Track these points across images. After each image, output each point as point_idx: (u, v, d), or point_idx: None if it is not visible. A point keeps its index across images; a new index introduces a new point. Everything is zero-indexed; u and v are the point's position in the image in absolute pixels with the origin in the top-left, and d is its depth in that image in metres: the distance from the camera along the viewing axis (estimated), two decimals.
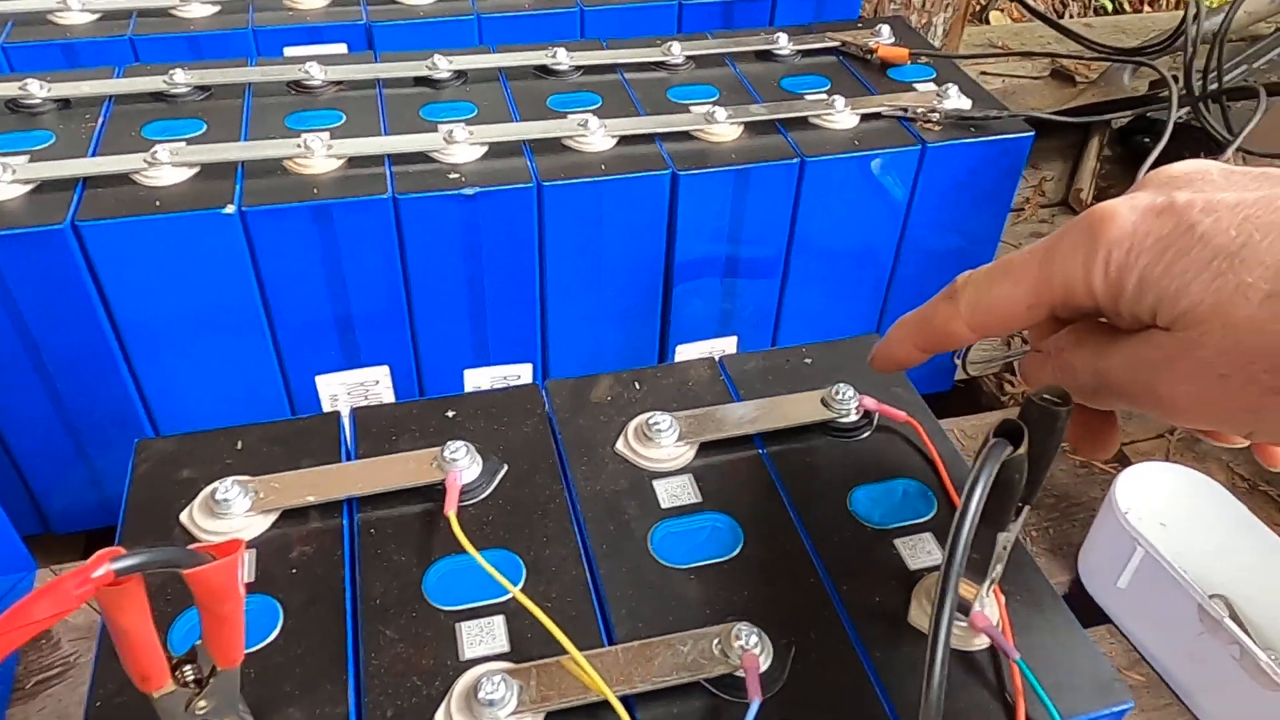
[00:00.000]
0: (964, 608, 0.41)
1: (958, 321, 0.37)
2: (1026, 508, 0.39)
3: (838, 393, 0.52)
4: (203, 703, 0.33)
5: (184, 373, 0.73)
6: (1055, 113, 1.20)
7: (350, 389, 0.79)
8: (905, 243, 0.87)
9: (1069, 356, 0.36)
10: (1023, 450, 0.35)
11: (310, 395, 0.78)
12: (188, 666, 0.33)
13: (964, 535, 0.32)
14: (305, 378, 0.77)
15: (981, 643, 0.42)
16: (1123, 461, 0.90)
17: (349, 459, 0.49)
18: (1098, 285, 0.32)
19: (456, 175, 0.71)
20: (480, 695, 0.38)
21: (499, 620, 0.42)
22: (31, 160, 0.69)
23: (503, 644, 0.41)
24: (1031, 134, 0.82)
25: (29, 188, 0.67)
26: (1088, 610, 0.75)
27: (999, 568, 0.41)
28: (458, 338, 0.78)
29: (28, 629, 0.25)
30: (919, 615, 0.43)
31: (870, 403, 0.52)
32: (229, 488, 0.45)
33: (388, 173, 0.71)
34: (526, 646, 0.41)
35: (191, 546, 0.29)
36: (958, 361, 0.94)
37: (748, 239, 0.81)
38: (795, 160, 0.76)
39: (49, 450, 0.75)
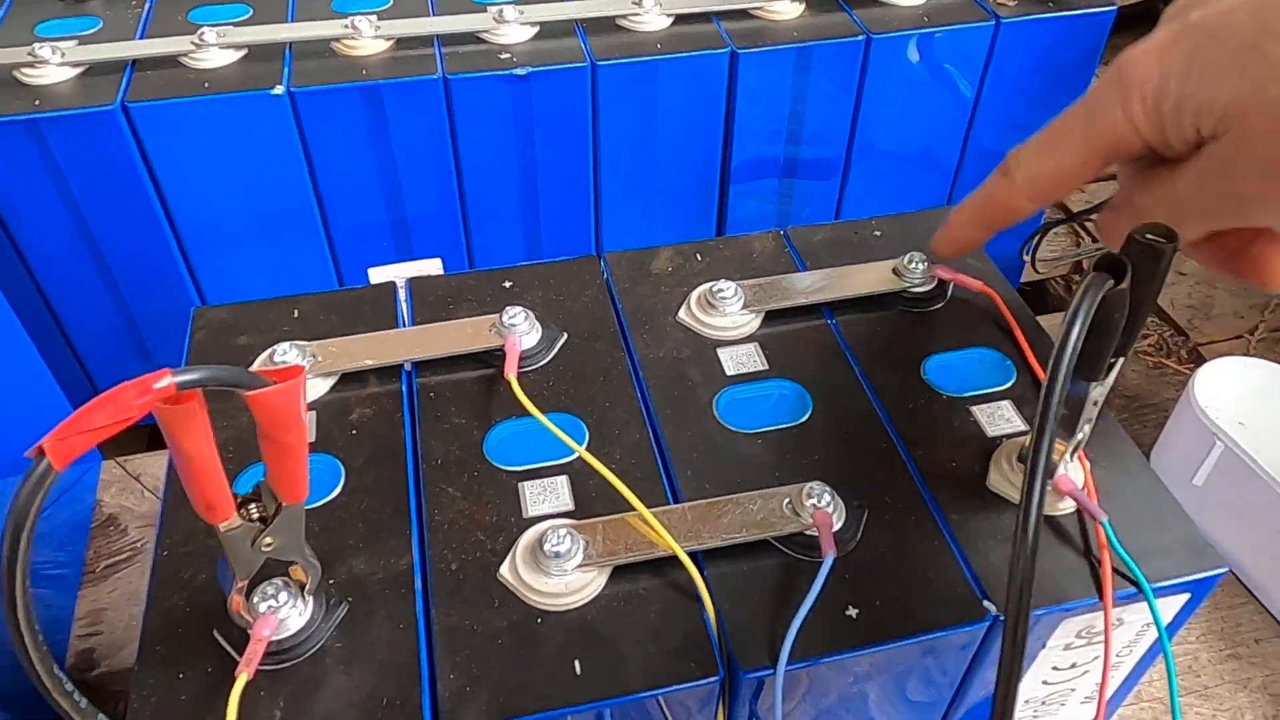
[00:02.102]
0: (1048, 470, 0.39)
1: (1017, 196, 0.38)
2: (1120, 363, 0.37)
3: (910, 261, 0.50)
4: (268, 539, 0.32)
5: (237, 261, 0.72)
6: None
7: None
8: (972, 137, 0.83)
9: (1139, 200, 0.36)
10: (1125, 286, 0.32)
11: None
12: (252, 505, 0.33)
13: (1064, 365, 0.30)
14: (358, 270, 0.76)
15: (1066, 507, 0.40)
16: (1198, 360, 0.86)
17: (406, 327, 0.48)
18: (1141, 124, 0.33)
19: (508, 56, 0.69)
20: (546, 547, 0.37)
21: (562, 480, 0.41)
22: (80, 44, 0.68)
23: (566, 503, 0.40)
24: (1114, 8, 0.77)
25: (78, 71, 0.66)
26: None
27: (1087, 427, 0.39)
28: (510, 229, 0.77)
29: (89, 435, 0.24)
30: (999, 480, 0.41)
31: (944, 272, 0.50)
32: (286, 350, 0.44)
33: (437, 54, 0.69)
34: (591, 505, 0.40)
35: (254, 369, 0.28)
36: (1026, 259, 0.90)
37: (808, 127, 0.77)
38: (860, 38, 0.72)
39: (109, 341, 0.75)
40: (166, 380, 0.25)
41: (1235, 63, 0.29)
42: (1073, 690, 0.45)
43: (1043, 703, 0.45)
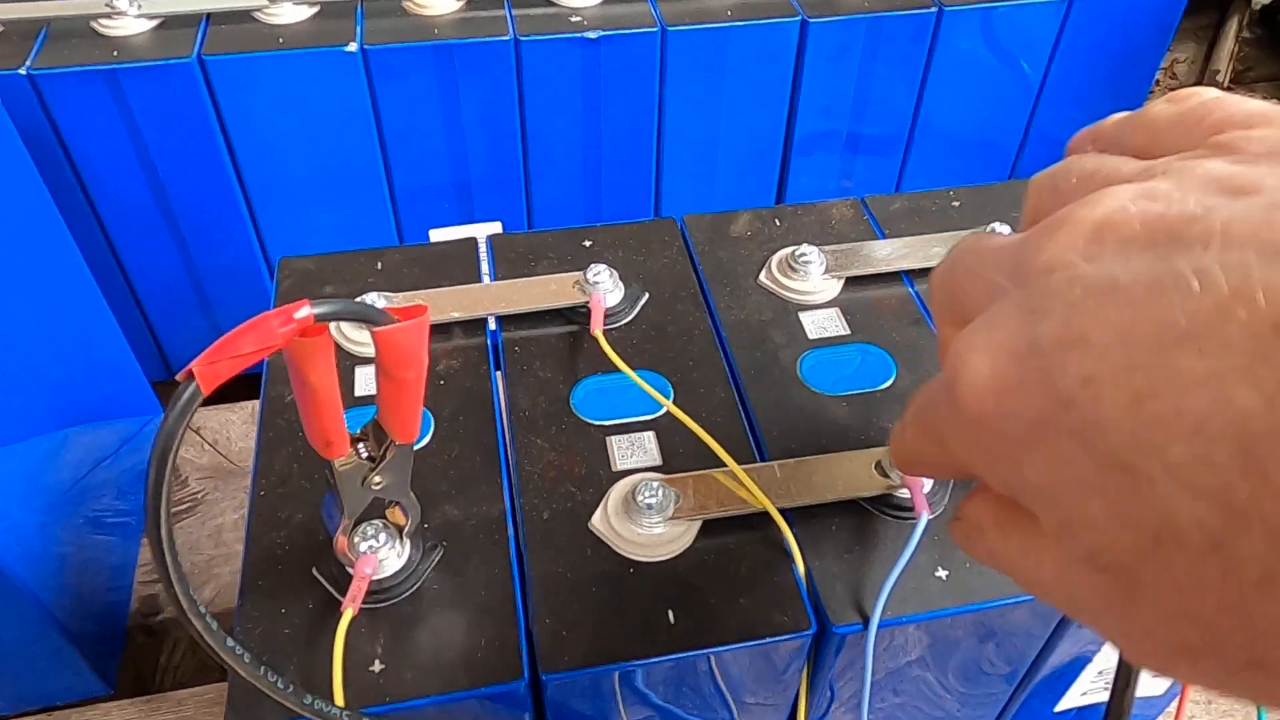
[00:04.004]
0: None
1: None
2: None
3: (992, 232, 0.49)
4: (378, 478, 0.33)
5: (302, 217, 0.73)
6: None
7: None
8: (1035, 121, 0.82)
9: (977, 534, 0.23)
10: None
11: None
12: (360, 445, 0.33)
13: None
14: (419, 231, 0.77)
15: None
16: None
17: (488, 282, 0.49)
18: (967, 461, 0.20)
19: (579, 19, 0.69)
20: (638, 499, 0.37)
21: (649, 435, 0.41)
22: None
23: (654, 458, 0.41)
24: None
25: (154, 23, 0.66)
26: None
27: None
28: (571, 193, 0.77)
29: (235, 361, 0.25)
30: None
31: None
32: (375, 300, 0.45)
33: (508, 15, 0.69)
34: (679, 461, 0.40)
35: (382, 306, 0.28)
36: None
37: (874, 100, 0.77)
38: (933, 9, 0.72)
39: (173, 296, 0.76)
40: (306, 310, 0.26)
41: (1101, 477, 0.16)
42: None
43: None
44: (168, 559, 0.25)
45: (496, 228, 0.78)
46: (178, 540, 0.73)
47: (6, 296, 0.59)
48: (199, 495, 0.74)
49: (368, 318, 0.28)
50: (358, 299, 0.45)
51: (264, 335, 0.25)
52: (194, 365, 0.24)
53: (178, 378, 0.25)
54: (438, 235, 0.77)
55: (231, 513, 0.73)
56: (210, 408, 0.79)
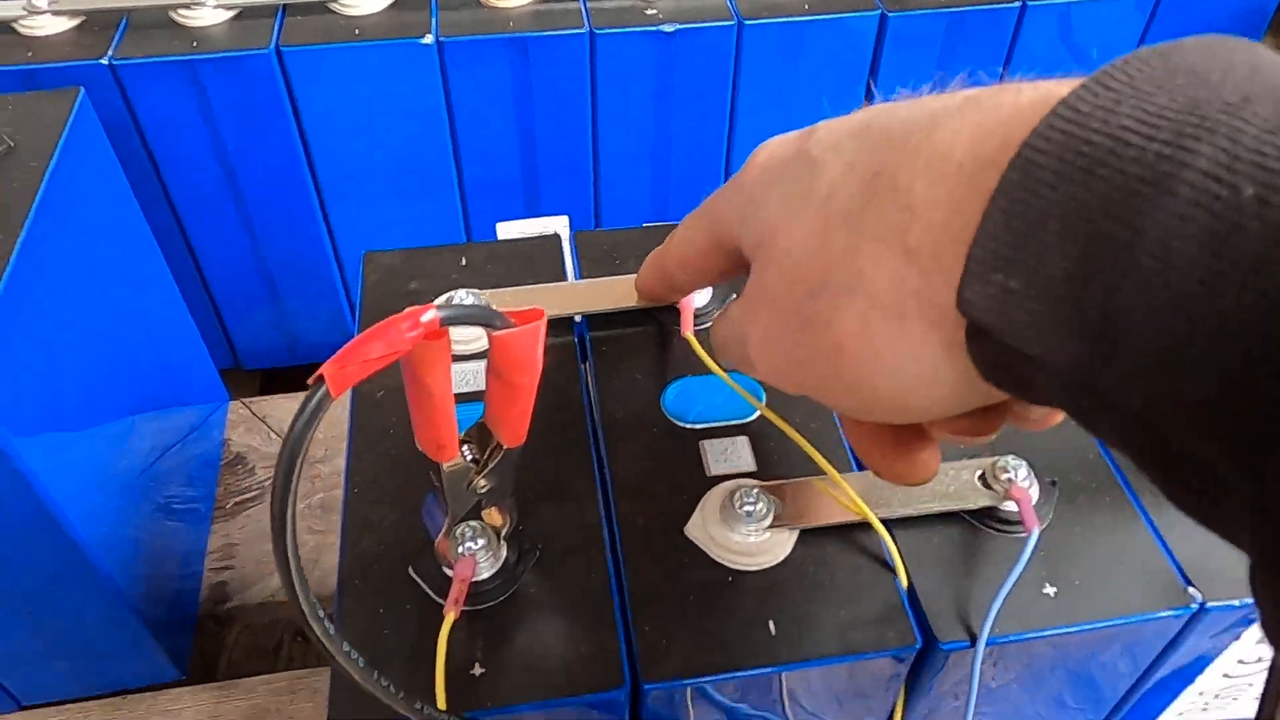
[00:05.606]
0: None
1: (671, 260, 0.34)
2: None
3: None
4: (482, 481, 0.32)
5: (371, 209, 0.73)
6: None
7: None
8: None
9: (715, 323, 0.31)
10: None
11: None
12: (464, 447, 0.33)
13: None
14: (486, 224, 0.76)
15: None
16: None
17: (573, 279, 0.48)
18: (733, 222, 0.28)
19: (654, 11, 0.68)
20: (738, 506, 0.36)
21: (743, 440, 0.41)
22: None
23: (749, 463, 0.40)
24: None
25: (232, 14, 0.66)
26: None
27: None
28: (639, 188, 0.76)
29: (364, 365, 0.24)
30: None
31: None
32: (464, 297, 0.44)
33: (583, 8, 0.68)
34: (773, 467, 0.40)
35: (501, 309, 0.28)
36: None
37: None
38: (1015, 5, 0.70)
39: (243, 288, 0.77)
40: (432, 314, 0.25)
41: (790, 182, 0.25)
42: (1250, 685, 0.43)
43: (1216, 695, 0.44)
44: (291, 563, 0.25)
45: (563, 222, 0.77)
46: (246, 528, 0.73)
47: (84, 283, 0.60)
48: (266, 484, 0.75)
49: (488, 321, 0.27)
50: (448, 294, 0.45)
51: (393, 340, 0.25)
52: (324, 369, 0.24)
53: (308, 381, 0.24)
54: (504, 229, 0.76)
55: (300, 501, 0.73)
56: (276, 396, 0.80)
